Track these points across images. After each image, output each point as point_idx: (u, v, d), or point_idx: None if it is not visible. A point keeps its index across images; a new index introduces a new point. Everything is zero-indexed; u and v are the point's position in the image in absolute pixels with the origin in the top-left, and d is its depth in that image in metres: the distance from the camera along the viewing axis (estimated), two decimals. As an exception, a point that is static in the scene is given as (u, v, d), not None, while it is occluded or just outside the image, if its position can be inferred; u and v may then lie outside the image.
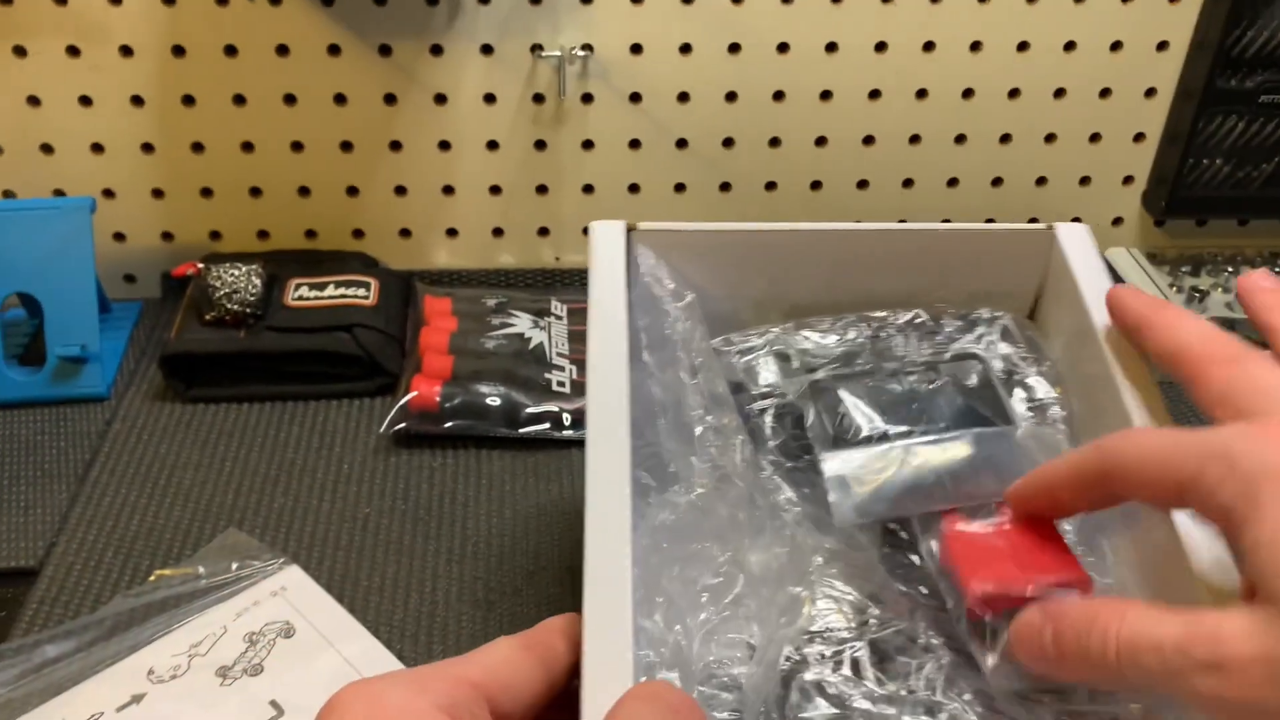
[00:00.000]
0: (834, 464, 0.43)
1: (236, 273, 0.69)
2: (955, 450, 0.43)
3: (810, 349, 0.49)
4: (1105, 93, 0.77)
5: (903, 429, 0.44)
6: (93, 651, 0.52)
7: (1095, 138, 0.79)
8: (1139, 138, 0.79)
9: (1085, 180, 0.81)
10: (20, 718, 0.49)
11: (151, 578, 0.57)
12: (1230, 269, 0.79)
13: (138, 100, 0.72)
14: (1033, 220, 0.82)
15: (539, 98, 0.74)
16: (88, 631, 0.54)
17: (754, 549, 0.42)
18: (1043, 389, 0.49)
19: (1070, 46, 0.75)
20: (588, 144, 0.77)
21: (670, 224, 0.51)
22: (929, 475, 0.42)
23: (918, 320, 0.51)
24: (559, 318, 0.75)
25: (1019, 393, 0.49)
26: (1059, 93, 0.77)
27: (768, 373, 0.48)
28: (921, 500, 0.42)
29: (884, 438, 0.44)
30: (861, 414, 0.45)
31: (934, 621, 0.41)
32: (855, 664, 0.40)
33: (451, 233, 0.80)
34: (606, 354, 0.45)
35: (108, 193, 0.76)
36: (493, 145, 0.76)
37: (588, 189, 0.79)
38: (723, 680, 0.39)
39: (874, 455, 0.43)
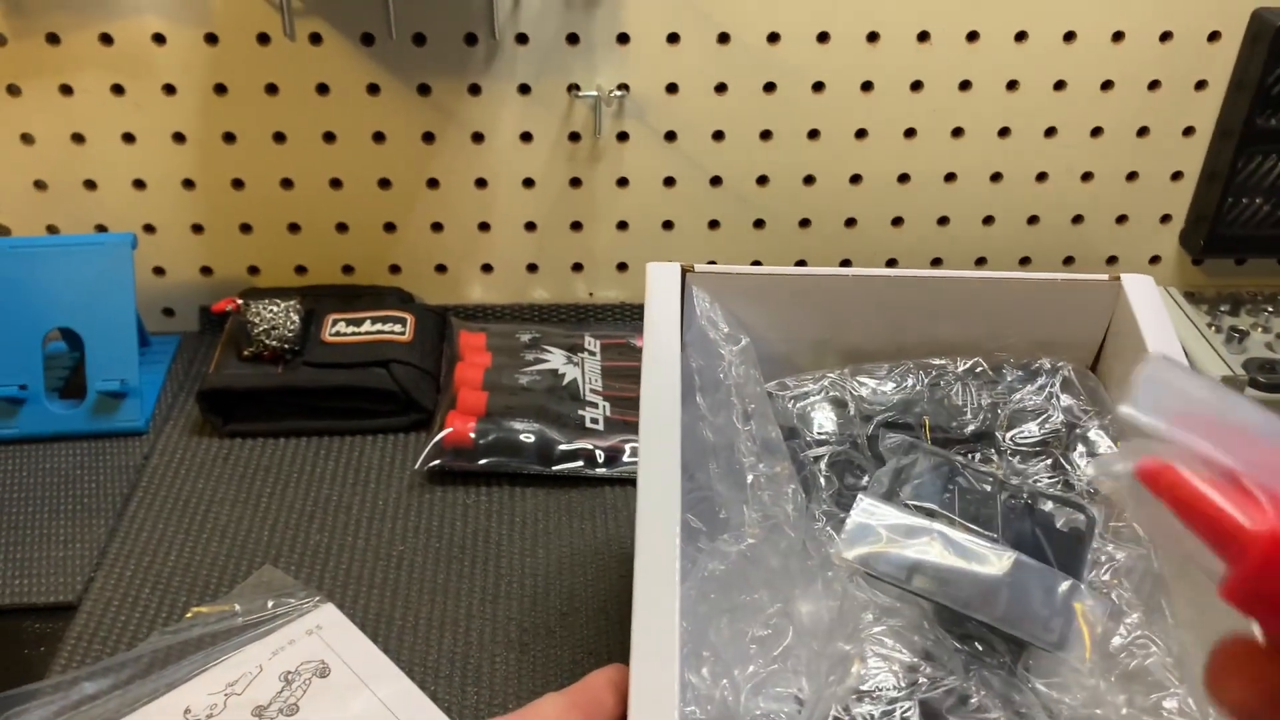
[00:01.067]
0: (864, 508, 0.43)
1: (275, 309, 0.70)
2: (989, 563, 0.42)
3: (866, 396, 0.49)
4: (1143, 131, 0.77)
5: (954, 518, 0.44)
6: (130, 689, 0.53)
7: (1133, 176, 0.79)
8: (1177, 176, 0.79)
9: (1122, 218, 0.81)
10: (58, 755, 0.49)
11: (189, 614, 0.57)
12: (1270, 308, 0.78)
13: (179, 137, 0.74)
14: (1068, 259, 0.82)
15: (575, 136, 0.75)
16: (125, 669, 0.54)
17: (805, 600, 0.41)
18: (1104, 443, 0.48)
19: (1108, 85, 0.75)
20: (622, 181, 0.77)
21: (726, 267, 0.51)
22: (946, 570, 0.42)
23: (978, 369, 0.51)
24: (592, 353, 0.75)
25: (1080, 447, 0.48)
26: (1096, 131, 0.77)
27: (823, 419, 0.48)
28: (928, 586, 0.41)
29: (930, 514, 0.43)
30: (925, 486, 0.44)
31: (987, 681, 0.40)
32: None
33: (486, 268, 0.80)
34: (660, 398, 0.44)
35: (148, 228, 0.77)
36: (528, 183, 0.77)
37: (622, 225, 0.79)
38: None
39: (907, 524, 0.43)
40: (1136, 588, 0.44)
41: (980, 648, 0.42)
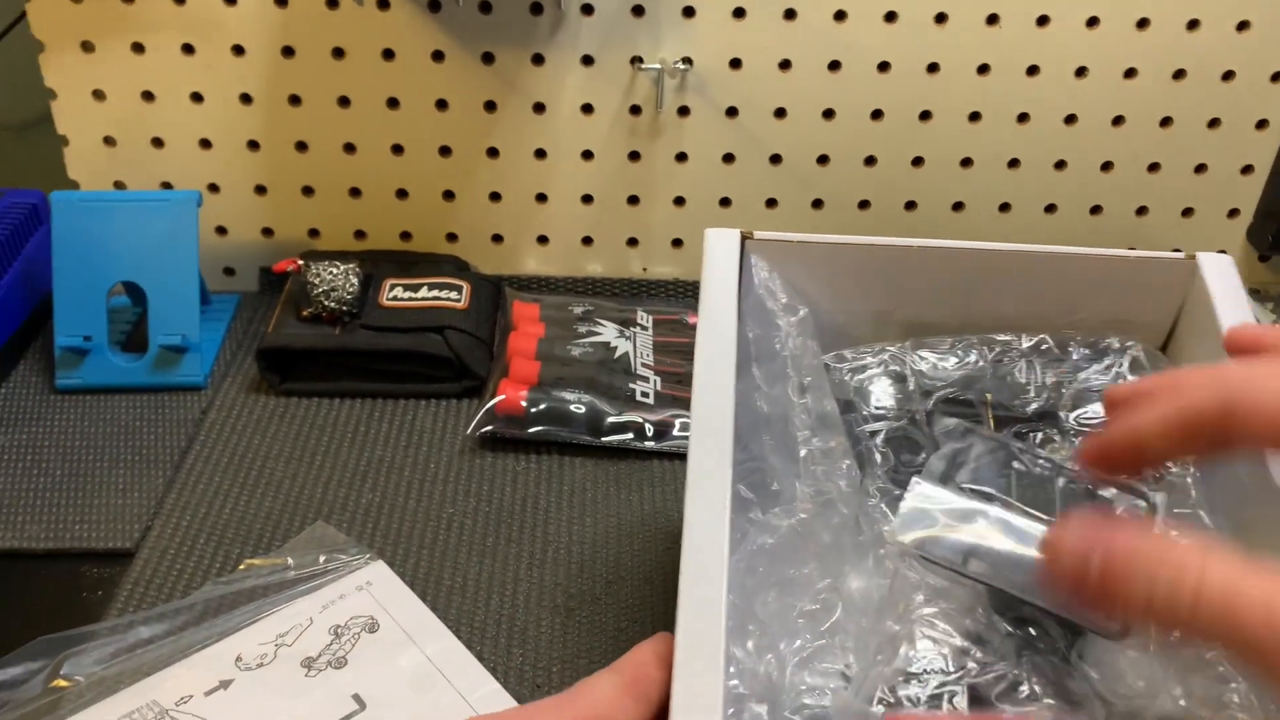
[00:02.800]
0: (919, 492, 0.42)
1: (335, 271, 0.71)
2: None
3: (926, 371, 0.48)
4: (1214, 123, 0.75)
5: (1011, 501, 0.43)
6: (183, 635, 0.54)
7: (1201, 168, 0.77)
8: (1247, 170, 0.77)
9: (1188, 211, 0.79)
10: (113, 695, 0.50)
11: (241, 566, 0.58)
12: (1338, 309, 0.76)
13: (246, 98, 0.74)
14: (1131, 250, 0.80)
15: (636, 109, 0.75)
16: (179, 615, 0.55)
17: (855, 576, 0.41)
18: None
19: (1180, 75, 0.73)
20: (681, 156, 0.77)
21: (786, 234, 0.50)
22: (1004, 555, 0.41)
23: (1043, 346, 0.50)
24: (644, 328, 0.75)
25: None
26: (1165, 121, 0.75)
27: (881, 393, 0.48)
28: (985, 571, 0.41)
29: (987, 498, 0.43)
30: (982, 470, 0.44)
31: (1039, 668, 0.40)
32: (952, 708, 0.39)
33: (542, 240, 0.81)
34: (714, 366, 0.43)
35: (212, 187, 0.78)
36: (587, 155, 0.77)
37: (679, 201, 0.79)
38: (814, 711, 0.38)
39: (963, 508, 0.42)
40: None
41: (1034, 633, 0.41)
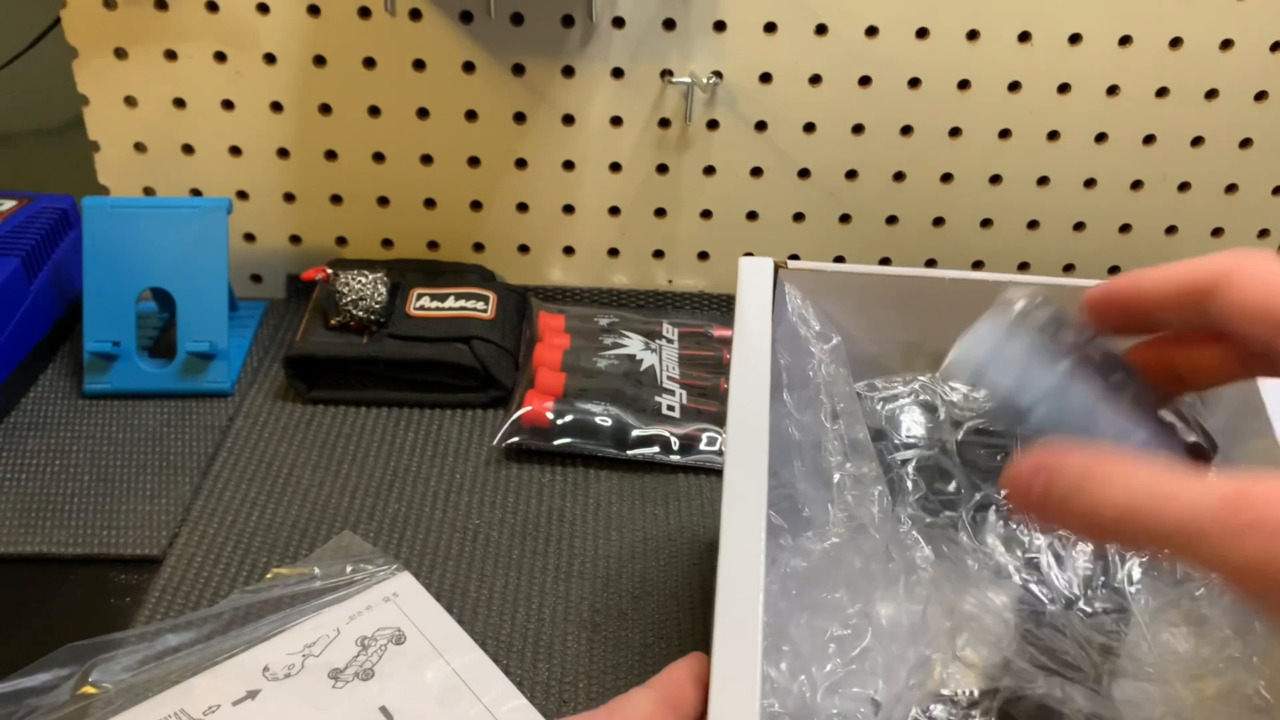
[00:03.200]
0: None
1: (363, 280, 0.71)
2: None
3: (958, 401, 0.49)
4: (1246, 143, 0.75)
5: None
6: (211, 644, 0.54)
7: (1232, 188, 0.77)
8: (1278, 190, 0.77)
9: (1218, 231, 0.79)
10: (141, 703, 0.51)
11: (269, 575, 0.58)
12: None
13: (277, 106, 0.75)
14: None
15: (665, 122, 0.75)
16: (207, 624, 0.55)
17: (885, 602, 0.41)
18: None
19: (1212, 94, 0.73)
20: (709, 169, 0.77)
21: (819, 264, 0.50)
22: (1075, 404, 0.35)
23: None
24: (670, 341, 0.75)
25: None
26: (1196, 140, 0.75)
27: (912, 423, 0.48)
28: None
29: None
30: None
31: (1069, 695, 0.40)
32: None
33: (568, 250, 0.81)
34: (749, 394, 0.44)
35: (242, 194, 0.78)
36: (615, 167, 0.77)
37: (705, 214, 0.79)
38: (847, 735, 0.38)
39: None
40: (1228, 605, 0.43)
41: (1066, 659, 0.41)
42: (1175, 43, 0.71)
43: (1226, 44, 0.71)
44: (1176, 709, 0.42)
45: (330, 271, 0.72)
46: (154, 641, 0.54)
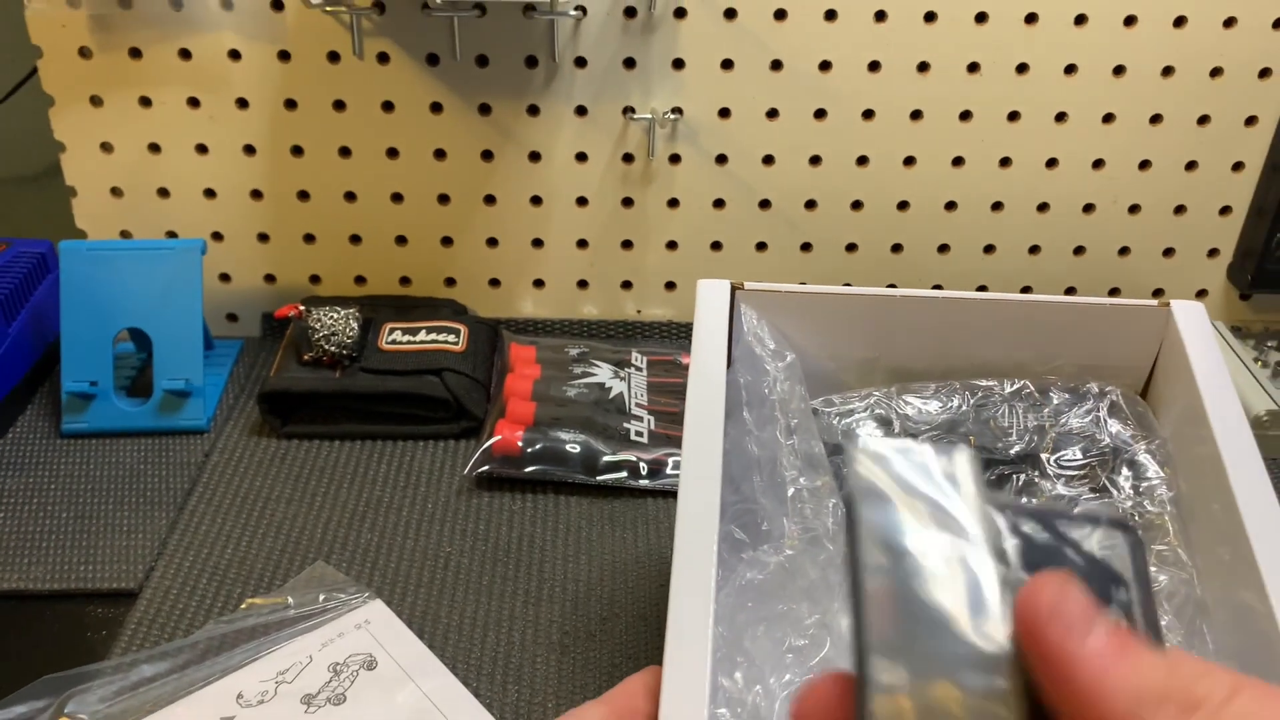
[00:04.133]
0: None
1: (335, 316, 0.72)
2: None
3: (912, 415, 0.50)
4: (1191, 165, 0.77)
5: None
6: (186, 673, 0.55)
7: (1180, 209, 0.79)
8: (1225, 210, 0.79)
9: (1169, 251, 0.81)
10: (116, 733, 0.51)
11: (243, 605, 0.59)
12: (1318, 345, 0.78)
13: (250, 149, 0.77)
14: (1114, 291, 0.82)
15: (628, 157, 0.77)
16: (181, 654, 0.56)
17: (844, 612, 0.42)
18: (1151, 468, 0.49)
19: (1156, 119, 0.75)
20: (673, 202, 0.79)
21: (775, 285, 0.52)
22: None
23: (1024, 391, 0.51)
24: (639, 369, 0.77)
25: (1125, 471, 0.49)
26: (1144, 164, 0.77)
27: (868, 436, 0.49)
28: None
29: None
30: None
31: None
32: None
33: (538, 283, 0.83)
34: (704, 412, 0.45)
35: (217, 235, 0.80)
36: (582, 201, 0.79)
37: (671, 245, 0.81)
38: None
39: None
40: (1178, 612, 0.44)
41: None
42: (1119, 70, 0.74)
43: (1168, 70, 0.74)
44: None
45: (303, 308, 0.73)
46: (129, 672, 0.55)
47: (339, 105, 0.75)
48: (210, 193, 0.78)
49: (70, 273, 0.71)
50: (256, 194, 0.78)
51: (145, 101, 0.75)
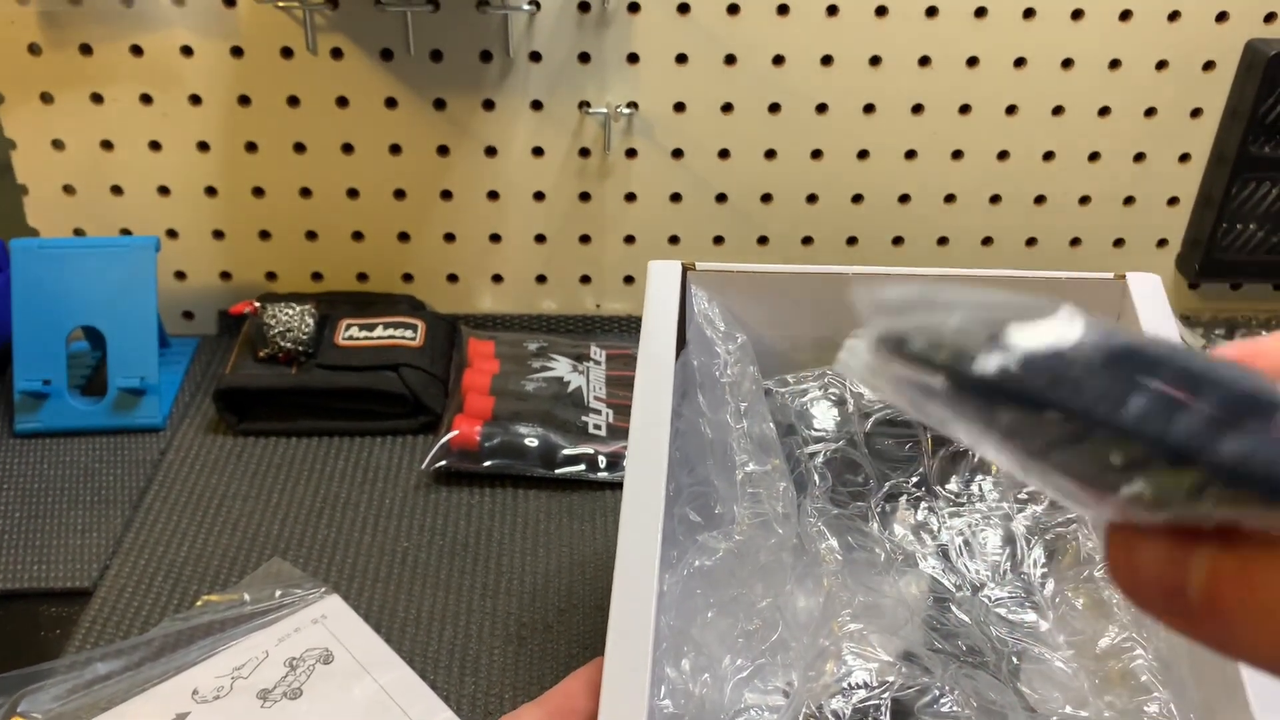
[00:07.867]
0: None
1: (291, 312, 0.72)
2: None
3: (867, 393, 0.50)
4: (1139, 157, 0.79)
5: None
6: (141, 670, 0.55)
7: (1129, 200, 0.81)
8: (1173, 201, 0.81)
9: (1119, 242, 0.82)
10: (70, 732, 0.51)
11: (199, 602, 0.59)
12: (1265, 333, 0.79)
13: (204, 146, 0.76)
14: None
15: (585, 152, 0.77)
16: (136, 651, 0.56)
17: (797, 595, 0.43)
18: None
19: (1105, 111, 0.77)
20: (630, 196, 0.79)
21: (727, 265, 0.52)
22: None
23: None
24: (597, 363, 0.77)
25: None
26: (1093, 156, 0.79)
27: (821, 416, 0.49)
28: None
29: None
30: None
31: (962, 681, 0.41)
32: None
33: (497, 279, 0.83)
34: (651, 394, 0.45)
35: (171, 233, 0.79)
36: (539, 196, 0.79)
37: (629, 239, 0.81)
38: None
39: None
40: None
41: (964, 646, 0.43)
42: (1067, 64, 0.75)
43: (1115, 64, 0.75)
44: (1077, 690, 0.44)
45: (258, 305, 0.73)
46: (83, 670, 0.54)
47: (293, 101, 0.75)
48: (164, 190, 0.78)
49: (22, 271, 0.71)
50: (211, 191, 0.78)
51: (97, 98, 0.74)
